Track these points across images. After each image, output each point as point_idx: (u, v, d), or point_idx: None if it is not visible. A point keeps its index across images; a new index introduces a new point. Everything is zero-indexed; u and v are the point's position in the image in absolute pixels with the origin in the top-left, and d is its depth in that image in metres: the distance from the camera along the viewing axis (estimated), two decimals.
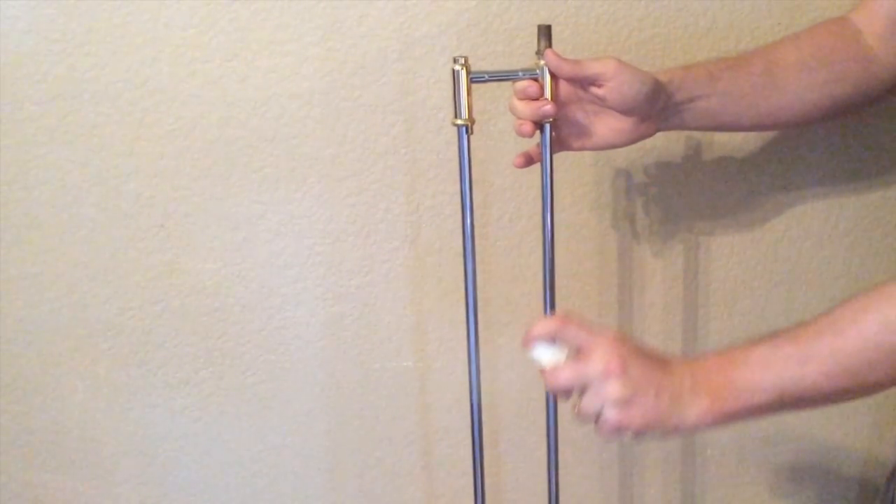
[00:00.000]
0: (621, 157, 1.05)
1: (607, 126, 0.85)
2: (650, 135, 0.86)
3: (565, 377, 0.73)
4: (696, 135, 1.05)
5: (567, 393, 0.74)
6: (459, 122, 0.82)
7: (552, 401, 0.90)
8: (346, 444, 1.14)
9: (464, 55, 0.81)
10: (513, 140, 1.02)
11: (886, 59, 0.87)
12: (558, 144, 0.86)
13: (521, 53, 0.99)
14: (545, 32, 0.82)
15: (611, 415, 0.71)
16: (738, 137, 1.05)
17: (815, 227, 1.09)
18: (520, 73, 0.82)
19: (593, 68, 0.80)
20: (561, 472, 0.94)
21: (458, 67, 0.80)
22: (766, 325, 1.12)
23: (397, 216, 1.05)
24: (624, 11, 0.99)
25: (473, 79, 0.81)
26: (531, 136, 0.84)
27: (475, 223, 1.06)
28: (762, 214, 1.08)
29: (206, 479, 1.15)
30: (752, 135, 1.05)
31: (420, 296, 1.08)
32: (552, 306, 0.87)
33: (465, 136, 0.83)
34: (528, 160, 0.86)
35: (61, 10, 0.95)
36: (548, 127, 0.83)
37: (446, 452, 1.15)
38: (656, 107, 0.82)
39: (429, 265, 1.07)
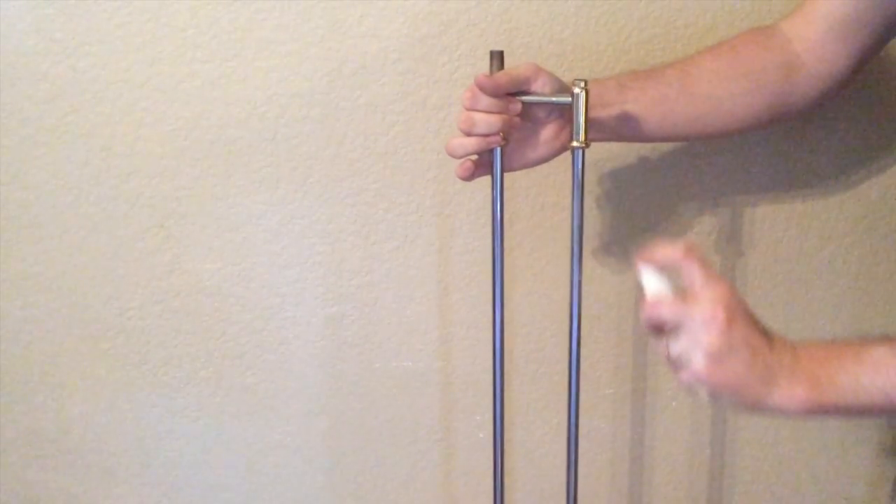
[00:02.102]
0: (619, 159, 1.05)
1: (537, 141, 0.85)
2: (564, 149, 0.85)
3: (667, 311, 0.68)
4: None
5: (659, 329, 0.70)
6: (576, 144, 0.79)
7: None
8: (345, 444, 1.14)
9: (583, 79, 0.78)
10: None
11: (814, 67, 0.86)
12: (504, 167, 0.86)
13: (521, 53, 0.99)
14: (498, 57, 0.81)
15: (699, 364, 0.67)
16: (735, 137, 1.05)
17: (815, 227, 1.09)
18: (553, 100, 0.81)
19: (520, 72, 0.80)
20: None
21: (578, 90, 0.78)
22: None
23: (397, 216, 1.05)
24: (624, 11, 0.99)
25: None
26: (469, 177, 0.84)
27: (476, 227, 1.06)
28: (762, 214, 1.08)
29: (206, 479, 1.15)
30: (750, 136, 1.05)
31: (420, 295, 1.08)
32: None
33: (580, 159, 0.80)
34: (472, 172, 0.85)
35: (61, 10, 0.95)
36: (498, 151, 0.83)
37: (447, 452, 1.15)
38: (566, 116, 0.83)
39: (429, 265, 1.07)
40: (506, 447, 1.15)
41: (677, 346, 0.68)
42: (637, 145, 1.03)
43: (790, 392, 0.67)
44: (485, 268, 1.07)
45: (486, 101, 0.79)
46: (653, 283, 0.71)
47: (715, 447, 1.17)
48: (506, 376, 1.12)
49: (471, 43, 0.99)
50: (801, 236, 1.09)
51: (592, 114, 0.80)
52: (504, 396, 0.87)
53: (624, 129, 0.85)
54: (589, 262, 1.08)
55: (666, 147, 1.05)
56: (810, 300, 1.11)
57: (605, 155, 1.04)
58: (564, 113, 0.82)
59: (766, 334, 0.69)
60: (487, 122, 0.80)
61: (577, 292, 0.84)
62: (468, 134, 0.80)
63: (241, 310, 1.08)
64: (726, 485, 1.18)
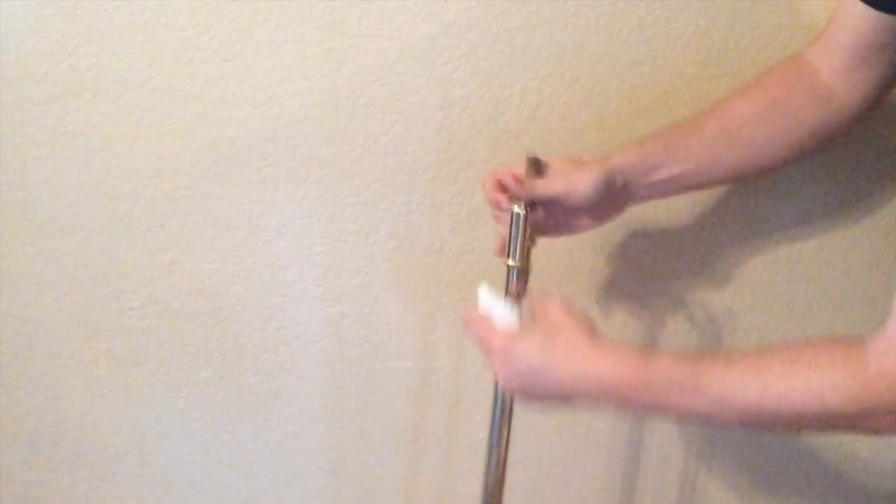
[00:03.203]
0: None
1: (579, 219, 0.90)
2: (621, 212, 0.90)
3: (473, 327, 0.81)
4: None
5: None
6: (511, 263, 0.82)
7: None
8: (345, 444, 1.14)
9: (523, 201, 0.83)
10: (515, 139, 1.02)
11: (846, 94, 0.86)
12: (539, 232, 0.89)
13: (521, 53, 0.99)
14: (533, 164, 0.86)
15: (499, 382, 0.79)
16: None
17: (815, 227, 1.09)
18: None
19: (554, 189, 0.85)
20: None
21: (517, 210, 0.82)
22: (766, 326, 1.12)
23: (397, 216, 1.05)
24: (624, 11, 0.99)
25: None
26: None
27: (476, 227, 1.06)
28: (762, 215, 1.08)
29: (206, 479, 1.15)
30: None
31: (420, 296, 1.08)
32: None
33: (514, 277, 0.83)
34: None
35: (61, 10, 0.95)
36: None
37: (447, 452, 1.15)
38: (613, 192, 0.86)
39: (429, 265, 1.07)
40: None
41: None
42: None
43: (588, 404, 0.75)
44: (485, 268, 1.07)
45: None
46: (493, 302, 0.81)
47: (715, 447, 1.17)
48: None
49: (471, 43, 0.99)
50: (801, 237, 1.09)
51: (641, 180, 0.85)
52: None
53: (671, 188, 0.88)
54: (590, 261, 1.08)
55: None
56: (810, 300, 1.11)
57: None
58: (610, 192, 0.86)
59: (573, 368, 0.74)
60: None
61: None
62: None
63: (241, 310, 1.08)
64: (725, 485, 1.18)
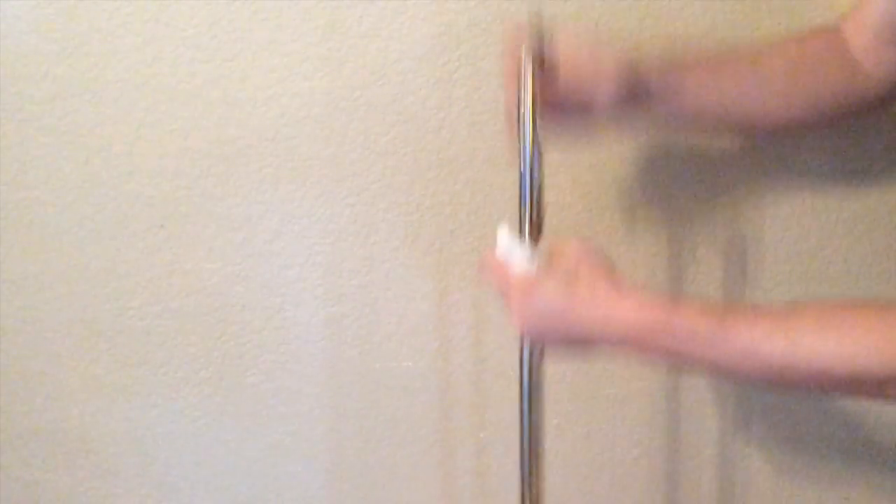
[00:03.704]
0: (620, 156, 1.05)
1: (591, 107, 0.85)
2: (638, 116, 0.87)
3: (490, 273, 0.79)
4: (697, 134, 1.05)
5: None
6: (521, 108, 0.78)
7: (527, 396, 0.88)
8: (346, 445, 1.14)
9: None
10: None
11: (873, 72, 0.86)
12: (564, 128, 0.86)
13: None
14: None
15: (515, 323, 0.76)
16: (738, 138, 1.05)
17: (815, 227, 1.09)
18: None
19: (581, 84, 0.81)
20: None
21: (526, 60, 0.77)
22: None
23: (397, 216, 1.05)
24: (624, 12, 0.99)
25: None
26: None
27: (476, 227, 1.06)
28: (762, 214, 1.08)
29: (206, 480, 1.15)
30: (749, 137, 1.05)
31: (420, 296, 1.08)
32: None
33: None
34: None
35: (61, 10, 0.96)
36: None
37: (447, 452, 1.15)
38: (637, 92, 0.83)
39: (429, 265, 1.07)
40: (506, 446, 1.15)
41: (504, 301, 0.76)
42: (636, 146, 1.03)
43: (608, 347, 0.73)
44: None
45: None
46: (504, 241, 0.79)
47: (714, 447, 1.16)
48: (505, 376, 1.12)
49: (471, 43, 0.99)
50: (801, 236, 1.09)
51: (664, 92, 0.82)
52: (531, 398, 0.86)
53: (691, 108, 0.86)
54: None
55: (663, 149, 1.05)
56: (811, 300, 1.11)
57: (603, 155, 1.04)
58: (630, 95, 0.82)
59: (594, 313, 0.72)
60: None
61: None
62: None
63: (241, 310, 1.08)
64: (725, 485, 1.18)
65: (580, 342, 0.74)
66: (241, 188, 1.03)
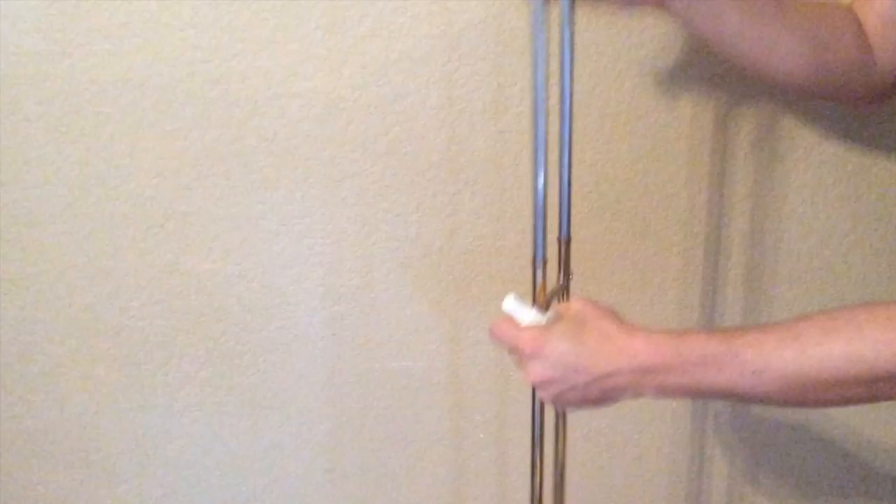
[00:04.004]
0: (623, 153, 1.05)
1: None
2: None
3: (499, 334, 0.78)
4: (697, 133, 1.04)
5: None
6: None
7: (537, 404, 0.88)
8: (346, 444, 1.14)
9: None
10: (515, 139, 1.02)
11: (880, 56, 0.85)
12: None
13: (522, 53, 0.99)
14: None
15: (537, 391, 0.76)
16: (738, 138, 1.05)
17: (815, 227, 1.09)
18: None
19: None
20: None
21: None
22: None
23: (397, 216, 1.05)
24: (624, 11, 0.99)
25: None
26: None
27: (476, 227, 1.06)
28: (762, 214, 1.08)
29: (205, 479, 1.15)
30: (750, 136, 1.04)
31: (420, 296, 1.08)
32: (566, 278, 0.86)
33: None
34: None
35: (61, 10, 0.95)
36: None
37: (447, 452, 1.15)
38: None
39: (429, 265, 1.07)
40: (506, 446, 1.15)
41: (520, 370, 0.76)
42: (638, 146, 1.03)
43: (633, 397, 0.73)
44: (484, 269, 1.07)
45: None
46: (518, 308, 0.79)
47: (715, 447, 1.17)
48: (505, 376, 1.12)
49: (471, 43, 0.99)
50: (801, 236, 1.09)
51: None
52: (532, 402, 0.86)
53: (707, 23, 0.82)
54: (590, 261, 1.08)
55: (664, 148, 1.05)
56: (810, 300, 1.11)
57: (605, 153, 1.04)
58: None
59: (608, 356, 0.72)
60: None
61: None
62: None
63: (242, 310, 1.08)
64: (726, 484, 1.18)
65: (596, 391, 0.73)
66: (242, 188, 1.03)
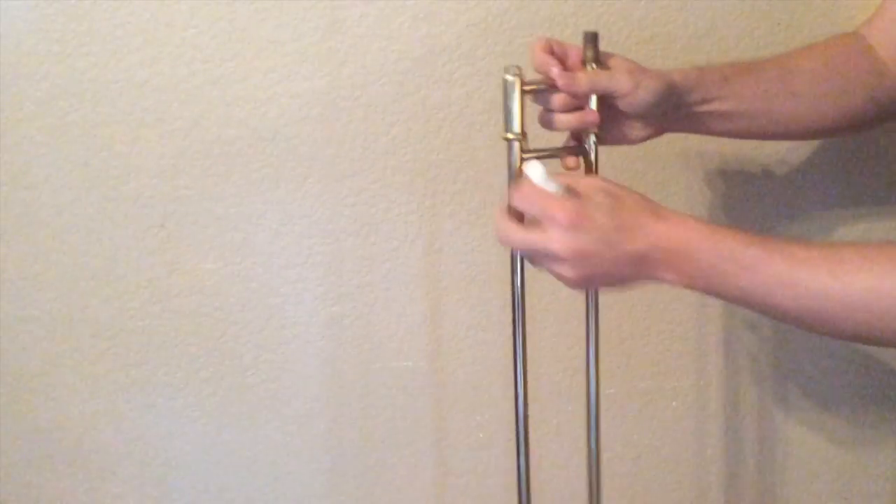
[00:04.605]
0: (627, 160, 1.05)
1: (618, 127, 0.83)
2: (658, 135, 0.85)
3: (527, 200, 0.72)
4: (698, 137, 1.05)
5: (519, 216, 0.74)
6: (510, 136, 0.76)
7: (593, 403, 0.88)
8: (346, 444, 1.14)
9: (517, 65, 0.76)
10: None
11: None
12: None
13: (521, 53, 0.98)
14: (591, 40, 0.79)
15: (554, 265, 0.71)
16: (736, 143, 1.05)
17: (815, 226, 1.09)
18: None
19: (606, 86, 0.78)
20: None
21: (510, 78, 0.75)
22: (766, 324, 1.12)
23: (397, 216, 1.05)
24: (624, 12, 0.99)
25: (526, 89, 0.76)
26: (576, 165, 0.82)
27: (476, 227, 1.06)
28: (762, 214, 1.08)
29: (205, 480, 1.15)
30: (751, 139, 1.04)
31: (420, 295, 1.08)
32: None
33: (514, 152, 0.76)
34: (577, 160, 0.83)
35: (61, 10, 0.96)
36: (592, 138, 0.80)
37: (446, 452, 1.15)
38: (667, 108, 0.81)
39: (429, 265, 1.07)
40: (504, 448, 1.15)
41: (535, 238, 0.70)
42: (643, 150, 1.03)
43: (660, 277, 0.70)
44: (484, 268, 1.07)
45: (561, 97, 0.78)
46: (536, 174, 0.72)
47: (717, 448, 1.17)
48: (503, 376, 1.12)
49: (471, 43, 0.99)
50: (800, 236, 1.09)
51: (695, 106, 0.81)
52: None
53: (723, 124, 0.85)
54: None
55: (667, 150, 1.05)
56: None
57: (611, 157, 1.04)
58: (663, 104, 0.80)
59: (635, 229, 0.69)
60: (560, 121, 0.79)
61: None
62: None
63: (241, 310, 1.08)
64: (726, 484, 1.18)
65: (626, 269, 0.70)
66: (241, 188, 1.03)
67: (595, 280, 0.71)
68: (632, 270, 0.70)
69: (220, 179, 1.03)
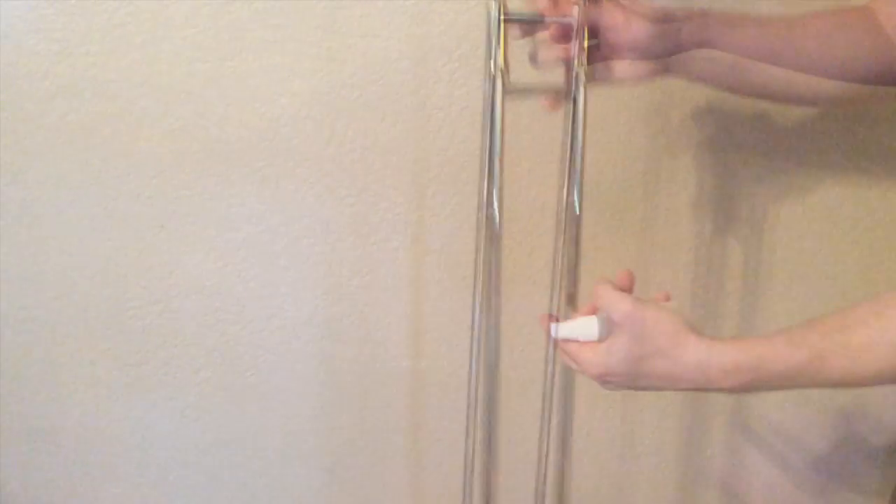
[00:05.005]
0: (619, 155, 1.05)
1: (609, 65, 0.82)
2: (652, 78, 0.83)
3: (566, 361, 0.77)
4: (699, 136, 1.05)
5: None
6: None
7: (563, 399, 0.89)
8: (344, 443, 1.15)
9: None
10: (521, 130, 1.02)
11: None
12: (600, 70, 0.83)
13: (521, 53, 0.99)
14: None
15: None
16: (738, 138, 1.05)
17: (815, 225, 1.09)
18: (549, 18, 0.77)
19: (596, 18, 0.78)
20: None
21: (493, 6, 0.73)
22: (767, 322, 1.12)
23: (396, 216, 1.05)
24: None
25: (508, 18, 0.74)
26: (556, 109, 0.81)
27: (476, 228, 1.06)
28: (763, 213, 1.08)
29: (205, 478, 1.15)
30: (752, 136, 1.05)
31: (418, 296, 1.09)
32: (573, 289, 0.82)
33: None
34: (557, 102, 0.82)
35: (61, 9, 0.96)
36: (582, 73, 0.77)
37: (443, 451, 1.15)
38: (664, 48, 0.80)
39: (427, 265, 1.07)
40: (507, 445, 1.15)
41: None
42: (644, 155, 1.04)
43: (726, 388, 0.70)
44: (483, 267, 1.07)
45: (550, 29, 0.78)
46: (564, 333, 0.76)
47: (716, 447, 1.17)
48: (503, 375, 1.12)
49: (470, 43, 0.99)
50: (801, 236, 1.09)
51: (693, 53, 0.79)
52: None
53: (721, 74, 0.84)
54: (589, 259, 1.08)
55: (669, 150, 1.05)
56: (810, 300, 1.11)
57: (606, 156, 1.04)
58: (661, 40, 0.79)
59: (669, 360, 0.70)
60: (547, 55, 0.79)
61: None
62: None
63: (241, 309, 1.08)
64: (727, 487, 1.18)
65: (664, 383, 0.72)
66: (241, 188, 1.03)
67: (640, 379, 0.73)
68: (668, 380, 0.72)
69: (220, 179, 1.03)
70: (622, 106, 1.03)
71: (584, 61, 0.78)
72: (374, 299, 1.09)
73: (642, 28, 0.79)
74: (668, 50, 0.81)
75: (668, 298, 0.75)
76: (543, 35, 0.79)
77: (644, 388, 0.73)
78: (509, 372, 1.12)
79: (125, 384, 1.10)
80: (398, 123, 1.02)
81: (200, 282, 1.07)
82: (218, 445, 1.14)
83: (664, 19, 0.80)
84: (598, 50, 0.81)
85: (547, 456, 0.90)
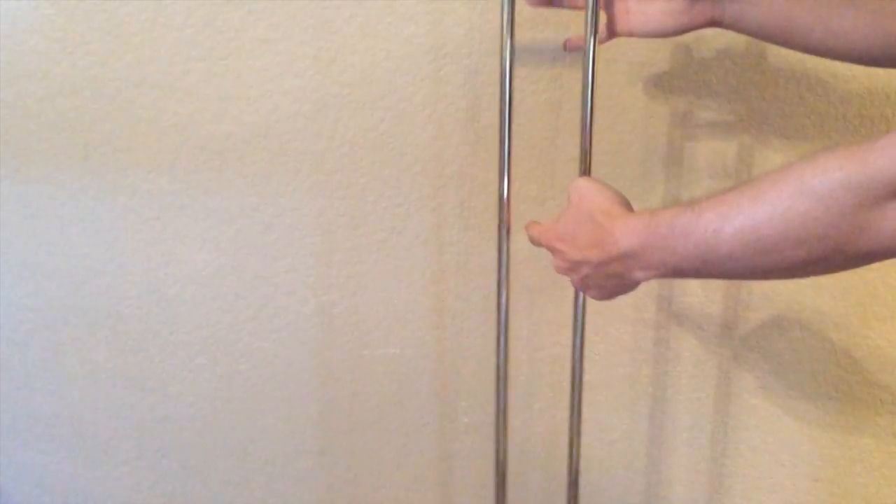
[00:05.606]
0: (621, 151, 1.04)
1: (657, 7, 0.78)
2: (702, 24, 0.79)
3: (533, 234, 0.79)
4: (699, 135, 1.03)
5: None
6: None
7: (576, 380, 0.89)
8: (335, 429, 1.14)
9: None
10: (524, 118, 1.03)
11: None
12: (604, 31, 0.82)
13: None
14: None
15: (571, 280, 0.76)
16: (735, 134, 1.02)
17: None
18: None
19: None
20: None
21: None
22: (767, 320, 1.13)
23: (385, 208, 1.05)
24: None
25: None
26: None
27: (461, 219, 1.05)
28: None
29: (200, 463, 1.16)
30: (751, 132, 1.01)
31: (407, 285, 1.08)
32: None
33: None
34: (575, 43, 0.82)
35: (61, 9, 0.96)
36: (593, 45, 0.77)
37: (434, 437, 1.15)
38: (678, 23, 0.78)
39: (416, 256, 1.07)
40: (490, 430, 1.14)
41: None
42: (643, 154, 1.02)
43: (643, 277, 0.70)
44: (470, 258, 1.07)
45: None
46: None
47: (717, 448, 1.16)
48: (488, 362, 1.11)
49: (456, 42, 0.99)
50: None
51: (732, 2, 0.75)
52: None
53: (772, 19, 0.79)
54: None
55: (673, 145, 1.03)
56: (810, 299, 1.09)
57: (606, 147, 1.03)
58: None
59: (608, 243, 0.70)
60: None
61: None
62: None
63: (235, 299, 1.08)
64: (727, 488, 1.17)
65: (603, 280, 0.72)
66: (235, 182, 1.03)
67: (590, 285, 0.74)
68: (609, 278, 0.72)
69: (215, 174, 1.03)
70: (638, 96, 1.02)
71: (595, 42, 0.78)
72: (363, 289, 1.08)
73: (653, 8, 0.77)
74: (681, 27, 0.79)
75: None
76: None
77: (593, 281, 0.73)
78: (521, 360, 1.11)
79: (122, 371, 1.10)
80: (386, 119, 1.02)
81: (195, 272, 1.07)
82: (212, 430, 1.14)
83: None
84: (609, 29, 0.80)
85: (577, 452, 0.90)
